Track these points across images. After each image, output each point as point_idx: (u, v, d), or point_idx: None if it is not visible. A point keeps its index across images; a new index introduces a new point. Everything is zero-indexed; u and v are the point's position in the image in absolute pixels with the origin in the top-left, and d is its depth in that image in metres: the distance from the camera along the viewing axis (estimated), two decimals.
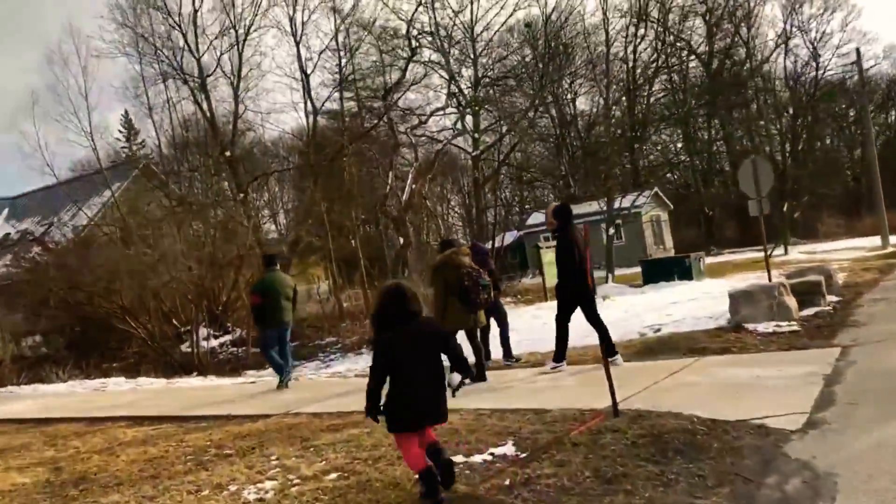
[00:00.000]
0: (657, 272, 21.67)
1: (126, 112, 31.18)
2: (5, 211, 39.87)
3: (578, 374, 8.27)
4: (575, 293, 8.38)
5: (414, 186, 19.80)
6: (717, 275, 22.32)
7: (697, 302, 15.33)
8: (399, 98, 21.00)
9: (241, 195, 18.09)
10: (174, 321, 19.33)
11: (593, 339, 12.07)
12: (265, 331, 10.69)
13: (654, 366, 8.09)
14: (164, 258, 16.75)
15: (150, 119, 21.94)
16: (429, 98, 23.62)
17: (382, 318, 4.63)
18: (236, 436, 7.27)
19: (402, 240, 20.75)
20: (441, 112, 22.54)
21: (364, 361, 16.46)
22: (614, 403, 5.75)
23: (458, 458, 5.19)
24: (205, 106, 19.27)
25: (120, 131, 45.48)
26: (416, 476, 4.53)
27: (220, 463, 6.19)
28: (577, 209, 33.28)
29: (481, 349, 8.70)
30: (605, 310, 16.35)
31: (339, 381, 11.09)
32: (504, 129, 24.73)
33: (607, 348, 7.81)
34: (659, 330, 12.15)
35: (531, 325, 15.77)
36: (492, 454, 5.24)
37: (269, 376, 13.95)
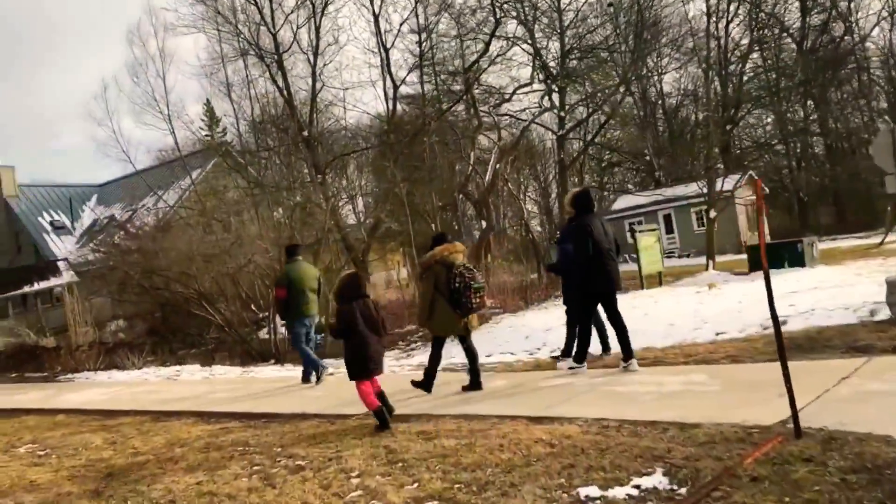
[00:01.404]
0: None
1: (208, 101, 31.07)
2: (94, 198, 40.71)
3: (713, 376, 6.88)
4: (591, 286, 7.65)
5: (498, 166, 18.54)
6: (830, 262, 20.23)
7: (823, 291, 13.55)
8: (481, 74, 19.73)
9: (319, 177, 17.24)
10: (252, 307, 18.69)
11: (704, 333, 10.70)
12: (293, 325, 10.12)
13: (810, 367, 6.62)
14: (240, 241, 16.05)
15: (229, 98, 21.47)
16: (511, 77, 22.28)
17: (343, 296, 6.58)
18: (311, 441, 6.22)
19: (483, 224, 19.54)
20: (525, 89, 21.17)
21: (445, 351, 15.30)
22: (795, 420, 4.37)
23: (594, 492, 3.96)
24: (282, 83, 18.46)
25: (203, 119, 45.70)
26: (372, 413, 6.42)
27: (291, 479, 5.13)
28: (661, 194, 31.51)
29: (476, 355, 7.82)
30: (712, 299, 14.94)
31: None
32: (592, 105, 23.15)
33: (623, 351, 7.63)
34: (785, 322, 10.53)
35: (630, 316, 14.24)
36: (637, 487, 3.98)
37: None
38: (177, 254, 16.64)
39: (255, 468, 5.59)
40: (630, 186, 44.30)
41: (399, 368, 10.94)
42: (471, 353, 7.73)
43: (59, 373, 16.41)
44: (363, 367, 6.43)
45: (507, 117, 21.97)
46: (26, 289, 30.63)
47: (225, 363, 15.40)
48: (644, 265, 18.49)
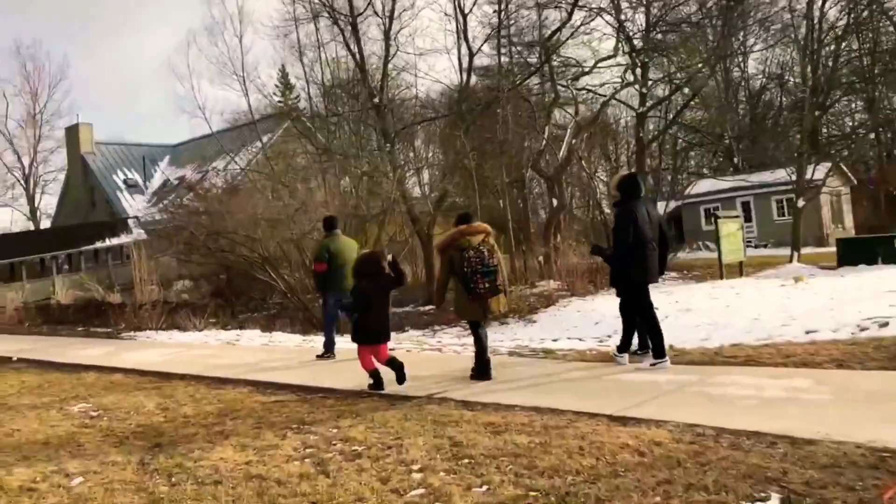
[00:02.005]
0: (856, 253, 18.46)
1: (283, 67, 30.89)
2: (167, 158, 41.39)
3: (820, 382, 6.12)
4: (627, 276, 7.39)
5: (574, 141, 17.72)
6: None
7: None
8: (560, 46, 18.82)
9: (388, 145, 16.76)
10: None
11: (792, 330, 9.82)
12: (328, 298, 9.87)
13: None
14: (305, 207, 15.76)
15: (300, 62, 21.06)
16: (592, 48, 21.27)
17: (361, 274, 7.26)
18: (370, 424, 5.75)
19: (554, 202, 18.79)
20: (607, 62, 20.17)
21: (511, 332, 14.84)
22: None
23: None
24: (354, 47, 17.96)
25: (276, 86, 45.83)
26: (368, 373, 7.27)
27: (347, 467, 4.66)
28: (746, 179, 30.00)
29: (484, 345, 7.44)
30: (800, 293, 13.93)
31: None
32: (676, 82, 21.98)
33: (654, 350, 7.35)
34: (886, 324, 9.62)
35: (710, 307, 13.45)
36: None
37: (406, 341, 12.60)
38: (243, 217, 16.48)
39: (309, 451, 5.16)
40: (705, 171, 42.57)
41: (460, 349, 10.43)
42: (480, 342, 7.40)
43: (122, 330, 16.51)
44: (367, 336, 7.24)
45: (584, 91, 21.05)
46: (98, 244, 31.30)
47: (286, 330, 15.20)
48: (725, 253, 17.50)
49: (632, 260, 7.24)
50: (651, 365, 7.28)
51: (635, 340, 7.89)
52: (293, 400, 7.16)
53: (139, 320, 16.31)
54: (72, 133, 40.17)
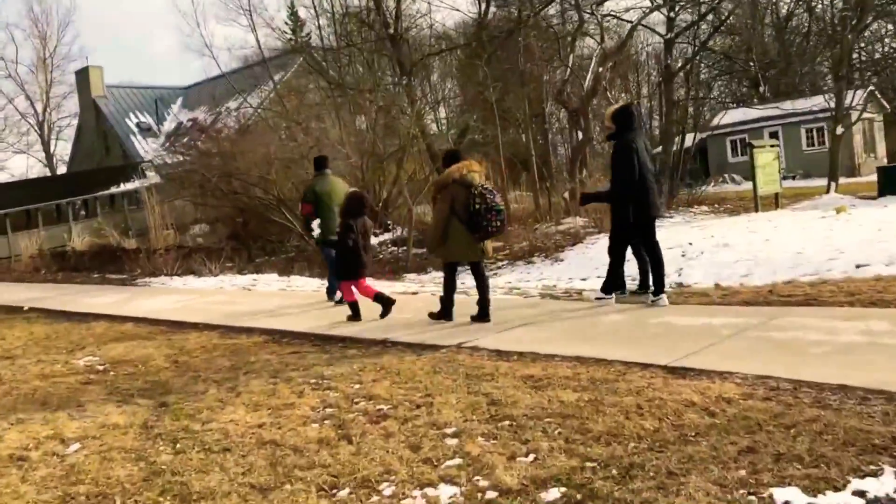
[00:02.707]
0: None
1: (292, 3, 29.71)
2: (179, 100, 40.58)
3: (891, 322, 5.46)
4: (634, 213, 6.98)
5: (601, 70, 16.75)
6: None
7: None
8: None
9: (405, 78, 15.90)
10: None
11: (840, 264, 9.13)
12: (322, 245, 9.61)
13: None
14: (319, 146, 15.04)
15: None
16: None
17: (347, 213, 7.88)
18: (394, 379, 5.21)
19: (579, 135, 17.91)
20: None
21: (537, 272, 14.23)
22: None
23: (796, 497, 2.76)
24: None
25: (286, 22, 44.51)
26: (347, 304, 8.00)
27: (371, 432, 4.12)
28: (779, 107, 28.78)
29: (487, 284, 7.27)
30: (843, 225, 13.15)
31: (519, 300, 8.83)
32: (706, 4, 20.72)
33: (655, 284, 7.13)
34: None
35: (748, 241, 12.71)
36: (862, 495, 2.76)
37: (430, 284, 12.06)
38: (255, 157, 15.83)
39: (328, 410, 4.63)
40: (729, 102, 41.14)
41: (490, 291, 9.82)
42: (482, 280, 7.17)
43: (137, 276, 16.11)
44: (351, 273, 7.91)
45: (609, 18, 19.88)
46: (113, 189, 30.88)
47: (304, 274, 14.69)
48: (760, 185, 16.65)
49: (638, 195, 6.89)
50: (651, 301, 7.11)
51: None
52: (311, 350, 6.64)
53: (154, 266, 15.88)
54: (82, 77, 39.40)
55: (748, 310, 6.47)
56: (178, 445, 4.25)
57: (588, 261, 14.42)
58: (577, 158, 17.52)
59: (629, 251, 7.51)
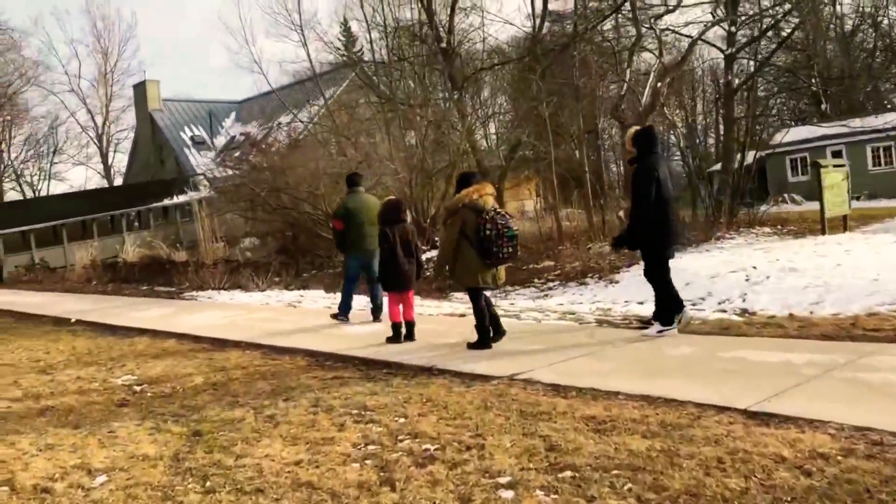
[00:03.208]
0: None
1: (345, 19, 29.87)
2: (233, 115, 41.12)
3: None
4: (652, 238, 6.79)
5: (659, 85, 16.18)
6: None
7: None
8: None
9: (456, 93, 15.59)
10: None
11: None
12: (347, 259, 9.74)
13: None
14: (368, 160, 14.81)
15: (360, 3, 19.82)
16: None
17: (383, 220, 7.81)
18: (441, 413, 4.81)
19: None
20: None
21: (590, 293, 13.70)
22: None
23: None
24: None
25: (339, 38, 44.88)
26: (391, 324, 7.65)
27: (417, 476, 3.72)
28: (847, 125, 27.67)
29: (485, 314, 6.91)
30: None
31: (574, 326, 8.34)
32: (770, 17, 19.99)
33: (659, 312, 7.03)
34: None
35: (818, 265, 11.99)
36: None
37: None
38: (304, 171, 15.67)
39: (371, 448, 4.25)
40: (788, 120, 39.95)
41: (539, 315, 9.39)
42: (480, 310, 6.88)
43: (184, 289, 16.06)
44: (389, 282, 7.67)
45: (667, 32, 19.30)
46: (166, 201, 31.28)
47: None
48: (828, 206, 15.82)
49: (657, 222, 6.66)
50: (658, 332, 6.85)
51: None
52: (354, 376, 6.29)
53: (201, 280, 15.81)
54: (139, 90, 40.23)
55: (831, 345, 5.90)
56: (208, 483, 3.91)
57: (645, 283, 13.83)
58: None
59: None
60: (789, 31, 21.62)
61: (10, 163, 43.13)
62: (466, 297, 13.77)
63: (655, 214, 6.64)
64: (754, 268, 11.95)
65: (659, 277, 7.00)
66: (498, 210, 6.68)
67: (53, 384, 7.06)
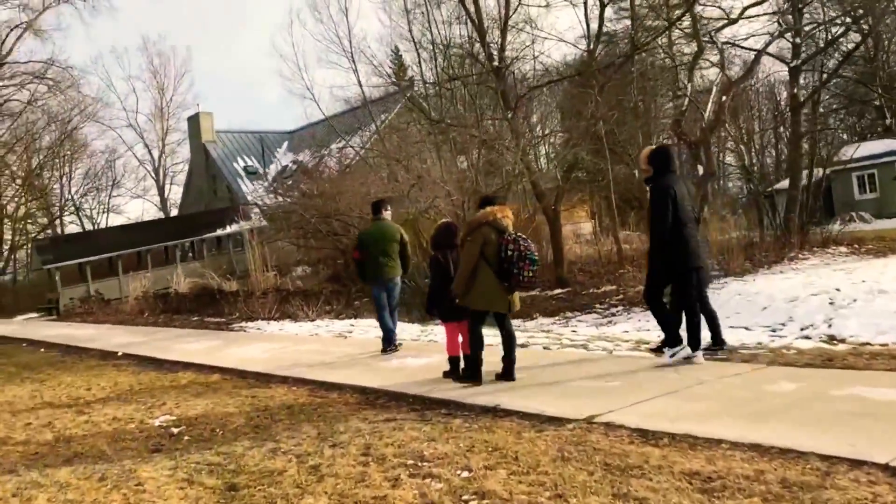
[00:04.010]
0: None
1: (396, 48, 29.72)
2: (285, 144, 41.35)
3: None
4: (669, 263, 6.54)
5: (724, 98, 15.33)
6: None
7: None
8: None
9: (509, 112, 15.03)
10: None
11: None
12: (372, 289, 9.51)
13: None
14: (420, 183, 14.28)
15: (408, 24, 19.49)
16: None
17: (436, 244, 7.23)
18: (512, 466, 4.11)
19: (700, 169, 16.45)
20: (755, 10, 17.40)
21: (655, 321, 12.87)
22: None
23: None
24: (471, 7, 16.03)
25: (391, 66, 44.93)
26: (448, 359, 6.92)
27: None
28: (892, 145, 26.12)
29: (513, 340, 6.67)
30: None
31: (650, 359, 7.56)
32: (841, 26, 18.96)
33: (667, 339, 6.73)
34: None
35: None
36: None
37: (539, 333, 10.93)
38: (354, 196, 15.23)
39: None
40: (843, 136, 38.31)
41: (608, 346, 8.62)
42: (509, 336, 6.62)
43: (234, 319, 15.71)
44: (449, 311, 6.84)
45: (728, 45, 18.43)
46: (219, 231, 31.36)
47: (402, 319, 13.82)
48: None
49: (674, 243, 6.43)
50: (672, 356, 6.56)
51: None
52: (409, 418, 5.63)
53: (251, 310, 15.44)
54: (193, 122, 40.80)
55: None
56: None
57: (718, 308, 12.93)
58: (697, 195, 16.07)
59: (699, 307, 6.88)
60: (855, 42, 20.50)
61: (70, 197, 44.11)
62: (527, 326, 13.10)
63: (673, 235, 6.42)
64: (838, 290, 11.01)
65: (682, 300, 6.66)
66: (519, 234, 6.44)
67: (88, 425, 6.60)
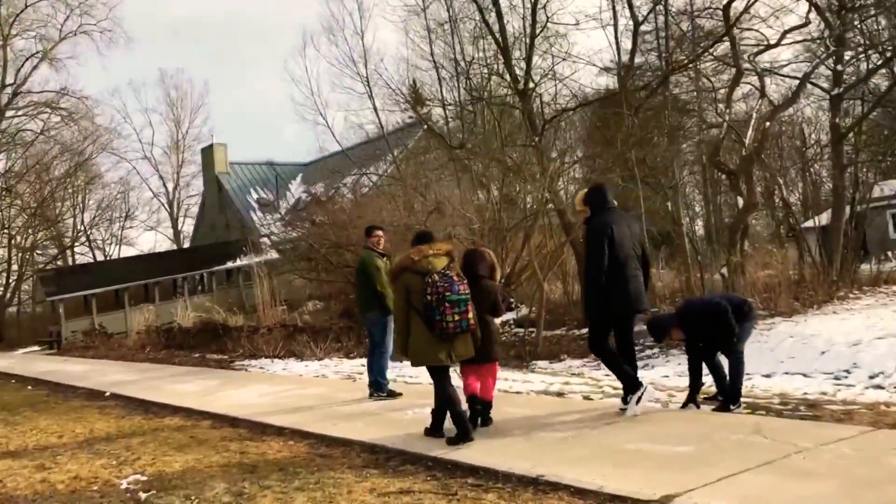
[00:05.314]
0: None
1: (414, 82, 29.06)
2: (299, 177, 40.64)
3: None
4: (607, 307, 6.06)
5: (768, 125, 14.27)
6: None
7: None
8: (742, 14, 15.32)
9: (536, 138, 14.05)
10: None
11: None
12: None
13: None
14: (439, 210, 13.23)
15: (429, 45, 18.64)
16: (779, 19, 17.51)
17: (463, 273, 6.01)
18: None
19: (740, 200, 15.33)
20: (795, 34, 16.40)
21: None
22: None
23: None
24: (495, 26, 15.07)
25: (407, 101, 44.38)
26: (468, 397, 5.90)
27: None
28: None
29: (454, 400, 5.71)
30: None
31: (715, 418, 6.37)
32: (885, 51, 17.92)
33: (626, 387, 6.09)
34: None
35: None
36: None
37: (573, 378, 9.79)
38: (367, 225, 14.17)
39: None
40: (872, 172, 37.06)
41: (664, 394, 7.45)
42: (447, 396, 5.73)
43: (236, 357, 14.63)
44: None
45: (767, 73, 17.41)
46: (229, 264, 30.46)
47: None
48: None
49: (614, 286, 5.97)
50: (619, 409, 6.12)
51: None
52: (427, 489, 4.49)
53: (254, 347, 14.36)
54: (207, 154, 40.24)
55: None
56: None
57: (767, 351, 11.64)
58: (738, 228, 14.91)
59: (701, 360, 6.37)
60: None
61: (83, 228, 43.51)
62: (555, 369, 11.93)
63: (610, 276, 5.96)
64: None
65: (597, 344, 6.24)
66: (447, 272, 5.63)
67: (43, 485, 5.52)
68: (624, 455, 4.78)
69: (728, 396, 6.13)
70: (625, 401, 6.17)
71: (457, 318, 5.50)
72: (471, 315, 5.58)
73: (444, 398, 5.75)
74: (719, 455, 4.52)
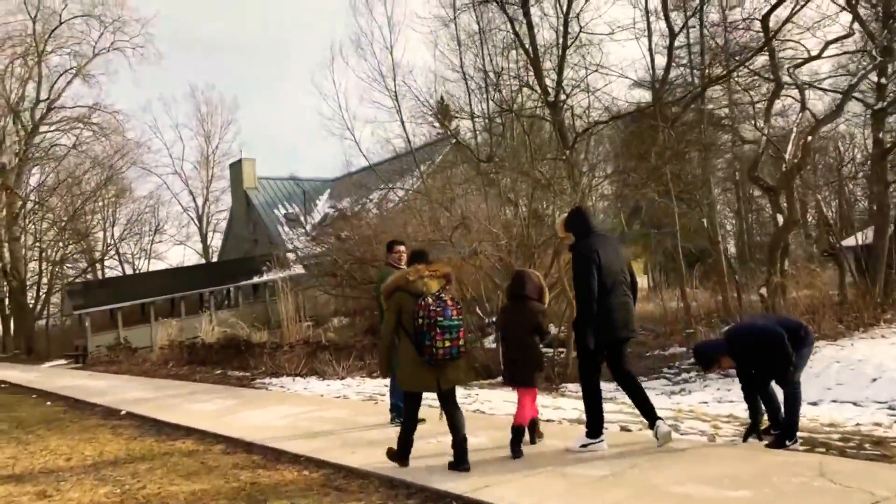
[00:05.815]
0: None
1: (442, 98, 28.74)
2: (327, 192, 40.58)
3: None
4: (598, 333, 5.68)
5: (810, 139, 13.68)
6: None
7: None
8: (783, 25, 14.78)
9: (566, 151, 13.60)
10: (477, 310, 15.44)
11: None
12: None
13: None
14: (465, 225, 12.81)
15: (459, 57, 18.32)
16: (819, 30, 16.94)
17: (508, 294, 6.22)
18: None
19: (779, 218, 14.70)
20: (836, 46, 15.80)
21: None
22: None
23: None
24: (526, 38, 14.71)
25: (436, 116, 44.14)
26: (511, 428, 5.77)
27: None
28: None
29: (458, 425, 5.48)
30: None
31: (770, 456, 5.84)
32: None
33: (647, 416, 5.85)
34: None
35: None
36: None
37: (608, 406, 9.22)
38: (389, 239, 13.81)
39: None
40: None
41: (709, 425, 6.92)
42: (451, 420, 5.52)
43: (258, 374, 14.28)
44: (505, 373, 6.33)
45: (807, 86, 16.82)
46: (255, 279, 30.30)
47: None
48: None
49: (601, 313, 5.69)
50: (582, 447, 5.79)
51: None
52: None
53: (276, 364, 14.01)
54: (236, 169, 40.36)
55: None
56: None
57: (812, 377, 10.95)
58: (777, 246, 14.29)
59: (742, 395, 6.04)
60: None
61: (112, 242, 43.82)
62: (580, 392, 11.38)
63: (599, 303, 5.68)
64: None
65: (586, 378, 5.94)
66: (441, 295, 5.40)
67: None
68: (669, 500, 4.28)
69: (784, 431, 5.58)
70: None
71: (447, 344, 5.27)
72: (462, 342, 5.36)
73: (409, 422, 5.61)
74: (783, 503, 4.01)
